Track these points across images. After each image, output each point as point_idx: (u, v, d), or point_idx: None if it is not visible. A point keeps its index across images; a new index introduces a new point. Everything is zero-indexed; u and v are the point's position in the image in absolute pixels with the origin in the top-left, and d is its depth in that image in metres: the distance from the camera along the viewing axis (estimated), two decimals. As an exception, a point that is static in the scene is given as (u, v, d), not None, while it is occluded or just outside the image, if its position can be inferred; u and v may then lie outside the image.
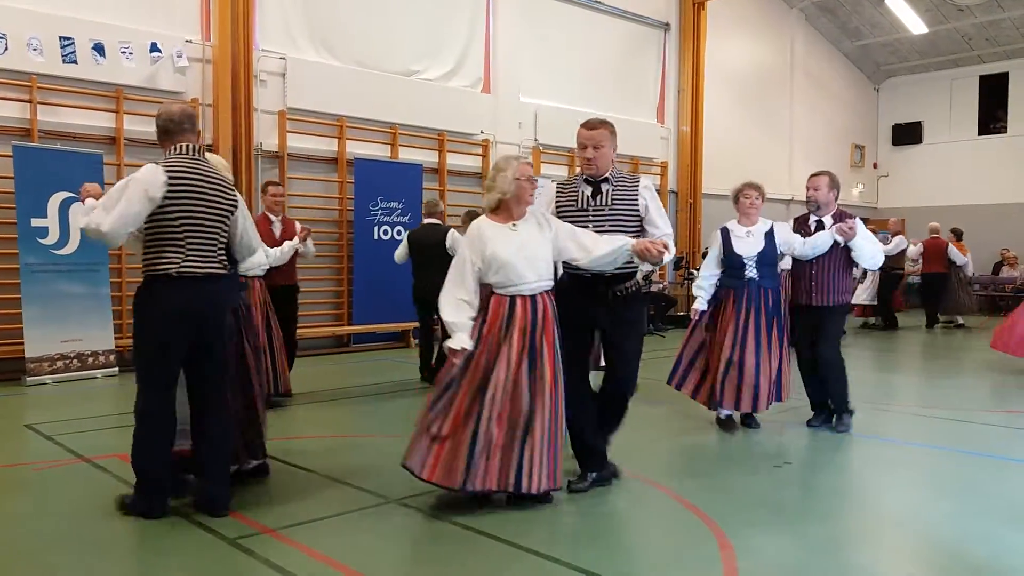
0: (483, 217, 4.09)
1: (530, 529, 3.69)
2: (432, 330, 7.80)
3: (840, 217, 5.71)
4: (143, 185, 3.62)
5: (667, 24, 14.82)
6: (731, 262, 5.71)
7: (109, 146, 8.64)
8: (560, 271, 4.27)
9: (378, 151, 10.86)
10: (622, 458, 4.61)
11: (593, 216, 4.21)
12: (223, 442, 3.95)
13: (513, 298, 3.95)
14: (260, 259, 6.21)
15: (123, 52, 8.62)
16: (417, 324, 8.08)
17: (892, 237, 13.05)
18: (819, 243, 5.65)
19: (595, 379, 4.50)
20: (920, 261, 13.54)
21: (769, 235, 5.66)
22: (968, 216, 16.52)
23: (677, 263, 13.80)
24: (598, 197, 4.24)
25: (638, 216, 4.28)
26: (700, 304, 5.82)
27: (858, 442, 5.56)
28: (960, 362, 9.98)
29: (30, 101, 8.16)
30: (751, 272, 5.65)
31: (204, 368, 3.88)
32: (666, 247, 4.00)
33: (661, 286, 13.30)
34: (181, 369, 3.85)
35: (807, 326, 5.78)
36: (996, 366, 8.98)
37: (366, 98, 10.60)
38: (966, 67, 18.46)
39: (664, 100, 14.93)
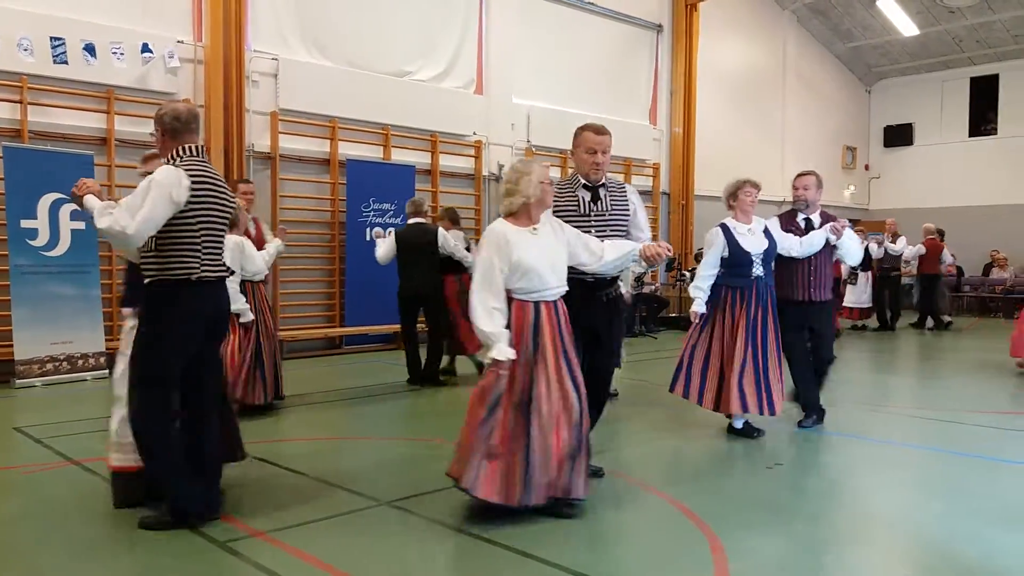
0: (501, 221, 3.95)
1: (520, 531, 3.68)
2: (417, 334, 7.79)
3: (825, 216, 5.85)
4: (168, 188, 3.55)
5: (660, 25, 14.85)
6: (739, 260, 5.47)
7: (100, 147, 8.60)
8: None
9: (370, 152, 10.84)
10: (612, 460, 4.61)
11: (595, 221, 4.31)
12: (215, 446, 3.94)
13: (537, 304, 3.86)
14: (261, 265, 6.31)
15: (114, 52, 8.58)
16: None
17: (893, 239, 13.08)
18: (815, 242, 5.71)
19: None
20: (912, 263, 13.59)
21: (767, 233, 5.62)
22: (958, 217, 16.62)
23: (669, 264, 13.82)
24: (598, 203, 4.33)
25: (628, 220, 4.44)
26: (700, 306, 5.54)
27: (849, 443, 5.57)
28: (949, 363, 10.01)
29: (20, 101, 8.12)
30: (758, 270, 5.49)
31: (202, 371, 3.86)
32: (669, 249, 4.14)
33: (653, 287, 13.32)
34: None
35: (800, 324, 5.77)
36: (986, 367, 9.02)
37: (358, 99, 10.58)
38: (957, 69, 18.54)
39: (656, 101, 14.95)
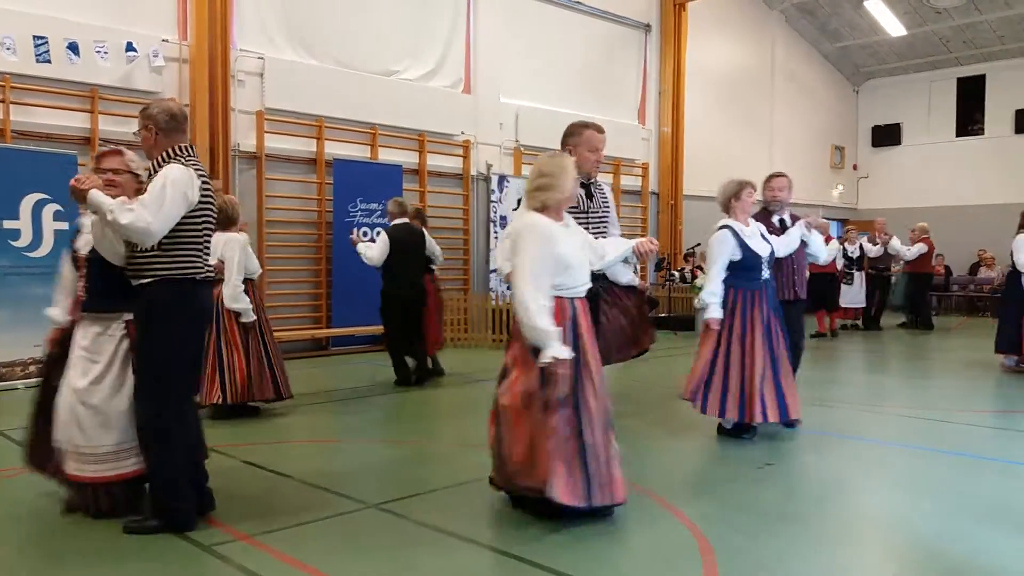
0: (537, 215, 3.72)
1: (507, 533, 3.65)
2: (408, 335, 7.73)
3: (793, 216, 6.00)
4: (183, 188, 3.54)
5: (648, 25, 14.85)
6: (750, 263, 5.28)
7: (83, 147, 8.50)
8: None
9: (357, 152, 10.79)
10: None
11: (591, 217, 4.33)
12: (204, 446, 3.94)
13: (573, 300, 3.75)
14: (258, 264, 6.32)
15: (98, 51, 8.50)
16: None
17: (887, 240, 13.01)
18: (792, 241, 5.75)
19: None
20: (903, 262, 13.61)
21: (763, 235, 5.58)
22: (946, 217, 16.68)
23: (659, 264, 13.81)
24: (592, 200, 4.36)
25: (610, 216, 4.58)
26: (717, 312, 5.23)
27: (839, 443, 5.56)
28: (937, 362, 10.05)
29: (3, 101, 8.03)
30: (766, 272, 5.38)
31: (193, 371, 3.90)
32: (656, 243, 4.18)
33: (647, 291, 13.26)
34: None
35: (787, 323, 5.75)
36: (974, 366, 9.04)
37: (345, 98, 10.52)
38: (944, 69, 18.64)
39: (645, 101, 14.95)
